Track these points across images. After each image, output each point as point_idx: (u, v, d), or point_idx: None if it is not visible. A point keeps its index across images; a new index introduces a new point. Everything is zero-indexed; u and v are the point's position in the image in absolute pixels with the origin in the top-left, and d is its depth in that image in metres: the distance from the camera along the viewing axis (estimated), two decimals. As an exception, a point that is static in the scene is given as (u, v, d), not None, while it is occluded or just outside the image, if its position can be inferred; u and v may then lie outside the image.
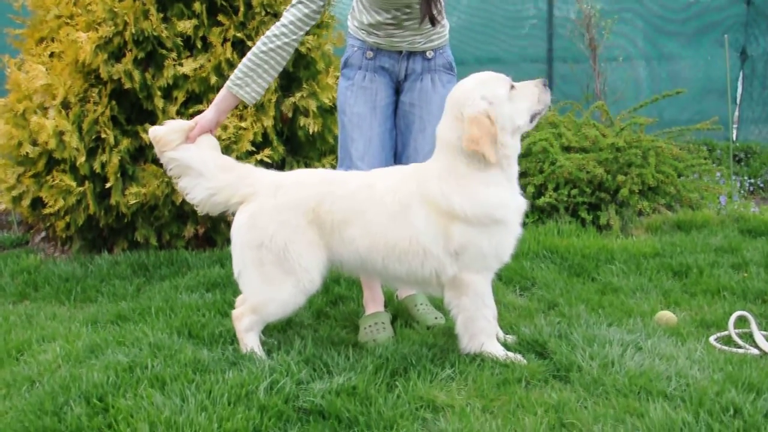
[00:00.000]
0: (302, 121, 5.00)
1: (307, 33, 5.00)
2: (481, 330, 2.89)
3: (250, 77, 3.13)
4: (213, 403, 2.41)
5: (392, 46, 3.38)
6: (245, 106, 4.83)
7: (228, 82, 3.16)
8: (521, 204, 2.91)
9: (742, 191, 6.78)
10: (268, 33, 3.17)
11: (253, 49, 3.16)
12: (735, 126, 9.03)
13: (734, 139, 8.70)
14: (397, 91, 3.48)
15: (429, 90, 3.42)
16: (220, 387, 2.51)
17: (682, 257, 4.27)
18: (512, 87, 2.87)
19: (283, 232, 2.86)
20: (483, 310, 2.89)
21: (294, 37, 3.17)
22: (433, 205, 2.82)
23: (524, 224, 3.02)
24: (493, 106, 2.79)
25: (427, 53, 3.41)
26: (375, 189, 2.90)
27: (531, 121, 2.92)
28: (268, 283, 2.88)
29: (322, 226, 2.88)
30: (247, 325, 2.92)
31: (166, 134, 3.02)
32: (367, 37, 3.39)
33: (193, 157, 3.01)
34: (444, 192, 2.81)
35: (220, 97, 3.17)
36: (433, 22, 3.27)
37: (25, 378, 2.78)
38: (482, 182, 2.81)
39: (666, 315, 3.32)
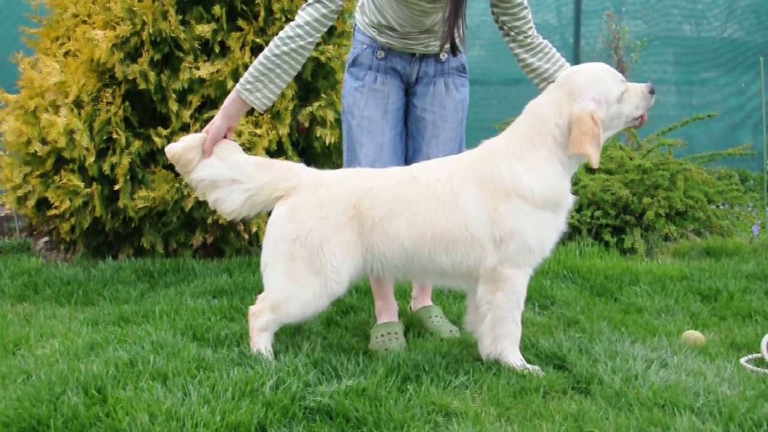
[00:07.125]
0: (319, 131, 5.03)
1: (325, 41, 5.10)
2: (507, 334, 2.89)
3: (261, 82, 3.03)
4: (216, 398, 2.41)
5: (406, 48, 3.34)
6: (261, 112, 4.87)
7: (237, 85, 3.05)
8: (572, 200, 2.97)
9: (775, 224, 6.71)
10: (281, 34, 3.04)
11: (265, 51, 3.04)
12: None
13: (769, 170, 8.65)
14: (406, 91, 3.44)
15: (442, 95, 3.40)
16: (224, 383, 2.51)
17: (712, 281, 4.22)
18: (625, 89, 2.92)
19: (321, 228, 2.88)
20: (514, 312, 2.89)
21: (310, 39, 3.05)
22: (490, 184, 2.85)
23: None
24: (601, 107, 2.83)
25: (441, 55, 3.38)
26: (420, 179, 2.93)
27: (626, 123, 2.97)
28: (293, 279, 2.89)
29: (363, 222, 2.89)
30: (263, 324, 2.91)
31: (183, 152, 3.01)
32: (378, 36, 3.33)
33: (221, 170, 3.01)
34: (513, 169, 2.85)
35: (228, 101, 3.07)
36: (454, 50, 3.27)
37: (21, 371, 2.78)
38: (554, 167, 2.86)
39: (693, 334, 3.28)
